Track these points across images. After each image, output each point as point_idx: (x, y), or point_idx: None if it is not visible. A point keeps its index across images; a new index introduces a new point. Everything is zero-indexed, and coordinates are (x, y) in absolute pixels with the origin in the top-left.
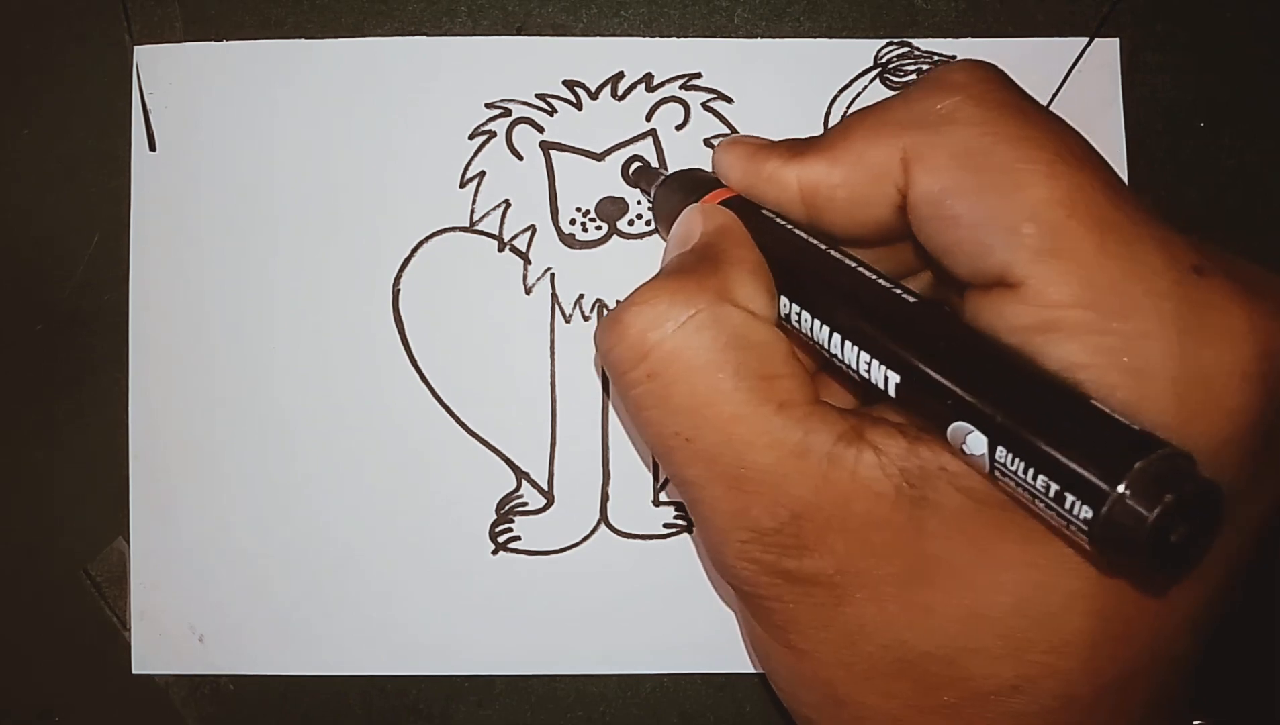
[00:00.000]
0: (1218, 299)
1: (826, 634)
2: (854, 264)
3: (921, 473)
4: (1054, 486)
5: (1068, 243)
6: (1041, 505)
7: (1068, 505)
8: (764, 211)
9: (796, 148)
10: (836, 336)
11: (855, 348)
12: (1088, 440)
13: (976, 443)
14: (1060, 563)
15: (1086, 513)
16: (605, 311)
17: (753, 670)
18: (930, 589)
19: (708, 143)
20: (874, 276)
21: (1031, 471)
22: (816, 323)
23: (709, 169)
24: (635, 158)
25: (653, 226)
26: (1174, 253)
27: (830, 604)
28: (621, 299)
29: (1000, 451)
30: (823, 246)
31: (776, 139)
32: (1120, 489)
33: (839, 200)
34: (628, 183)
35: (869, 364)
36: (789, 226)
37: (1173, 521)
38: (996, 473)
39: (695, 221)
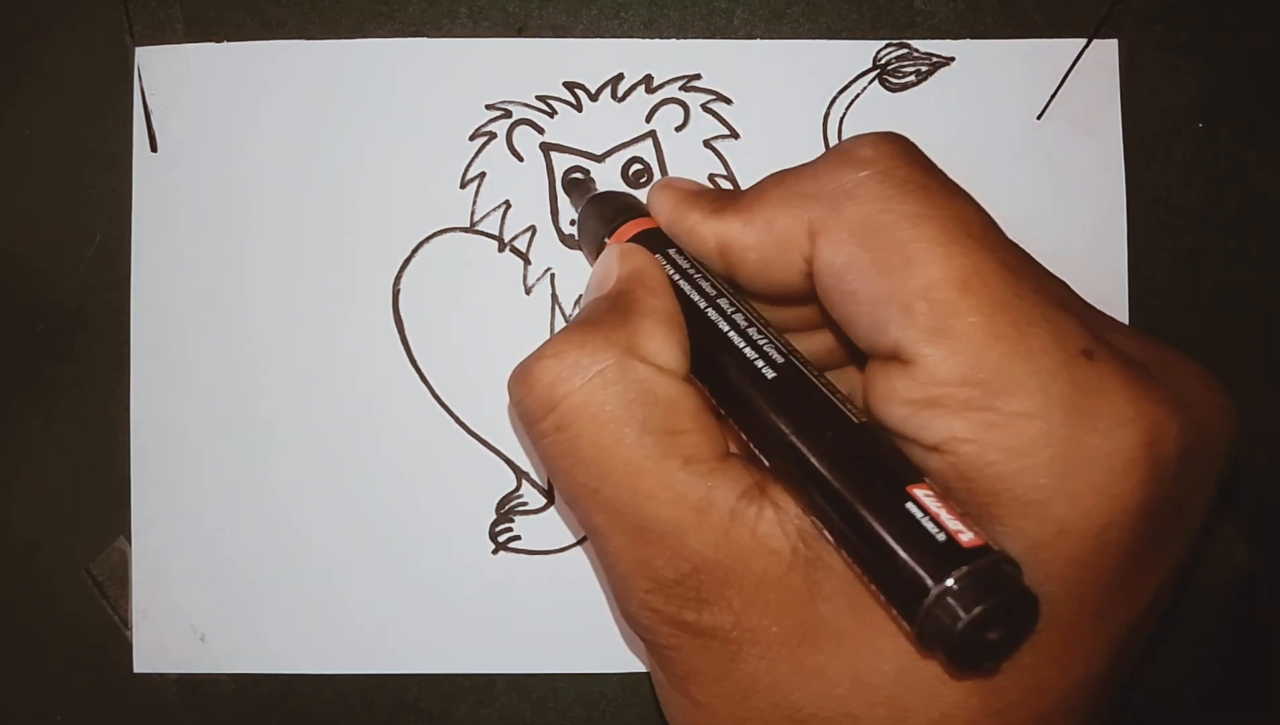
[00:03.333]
0: (1105, 384)
1: (721, 687)
2: (726, 328)
3: (816, 534)
4: (881, 597)
5: (958, 322)
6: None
7: (894, 614)
8: (672, 252)
9: (719, 203)
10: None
11: (731, 420)
12: (910, 552)
13: (827, 534)
14: None
15: (908, 618)
16: None
17: None
18: (820, 651)
19: (708, 144)
20: (741, 345)
21: (865, 574)
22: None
23: (679, 177)
24: (576, 168)
25: None
26: (1064, 335)
27: (726, 658)
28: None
29: (843, 553)
30: (702, 305)
31: (708, 187)
32: (931, 599)
33: (750, 261)
34: (565, 192)
35: (745, 438)
36: (690, 272)
37: (983, 627)
38: (846, 560)
39: (612, 264)
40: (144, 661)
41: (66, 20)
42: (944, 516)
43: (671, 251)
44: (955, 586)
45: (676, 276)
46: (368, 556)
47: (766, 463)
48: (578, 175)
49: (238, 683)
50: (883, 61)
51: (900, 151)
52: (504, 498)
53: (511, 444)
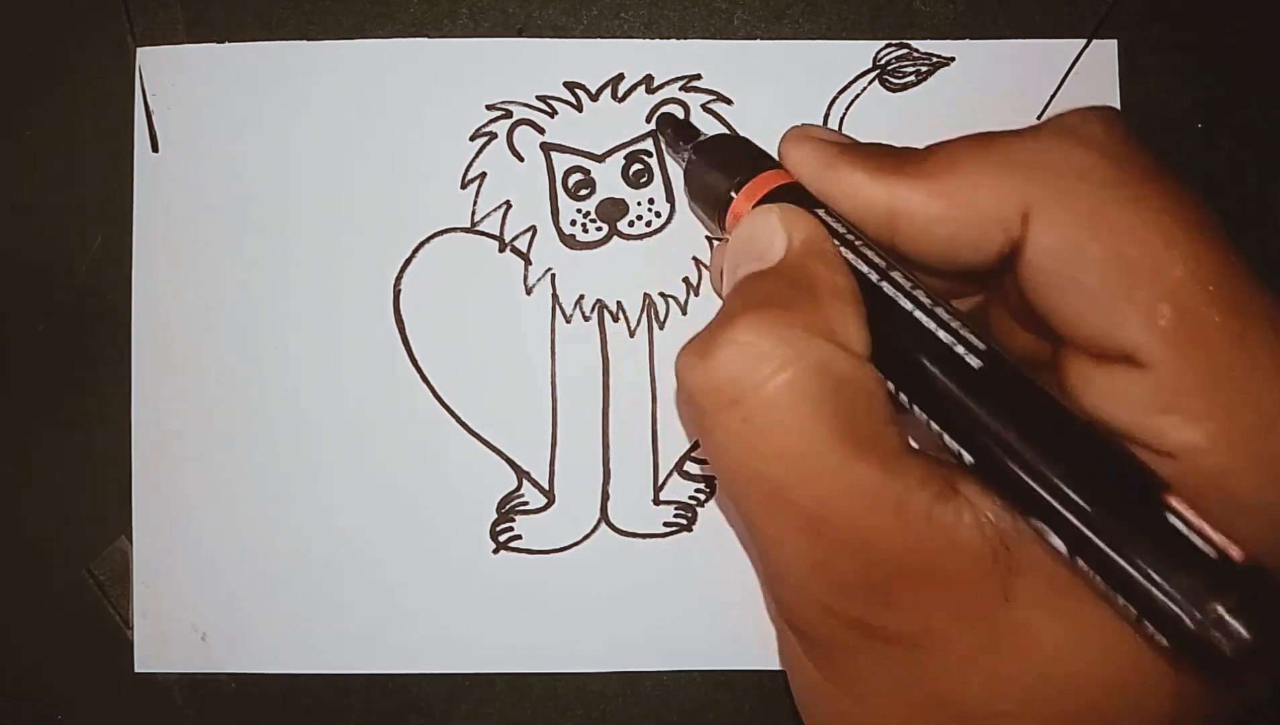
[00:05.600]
0: None
1: (894, 689)
2: (911, 307)
3: (1017, 534)
4: (1132, 610)
5: (1205, 328)
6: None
7: (1148, 630)
8: (822, 214)
9: (891, 163)
10: (903, 395)
11: (922, 413)
12: (1172, 568)
13: (1056, 541)
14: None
15: (1171, 635)
16: (606, 312)
17: (752, 668)
18: (1011, 657)
19: None
20: (935, 328)
21: (1112, 591)
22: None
23: (810, 124)
24: (664, 105)
25: (653, 227)
26: None
27: (908, 664)
28: (707, 323)
29: (1079, 562)
30: (874, 277)
31: (856, 141)
32: (1204, 619)
33: (936, 235)
34: (660, 135)
35: (939, 433)
36: (852, 240)
37: (1263, 647)
38: (1079, 570)
39: (776, 231)
40: (145, 661)
41: (68, 21)
42: (1208, 529)
43: (821, 212)
44: (1232, 608)
45: (837, 244)
46: (368, 556)
47: (971, 460)
48: (669, 111)
49: (239, 682)
50: (883, 62)
51: (1132, 135)
52: (505, 497)
53: (512, 444)
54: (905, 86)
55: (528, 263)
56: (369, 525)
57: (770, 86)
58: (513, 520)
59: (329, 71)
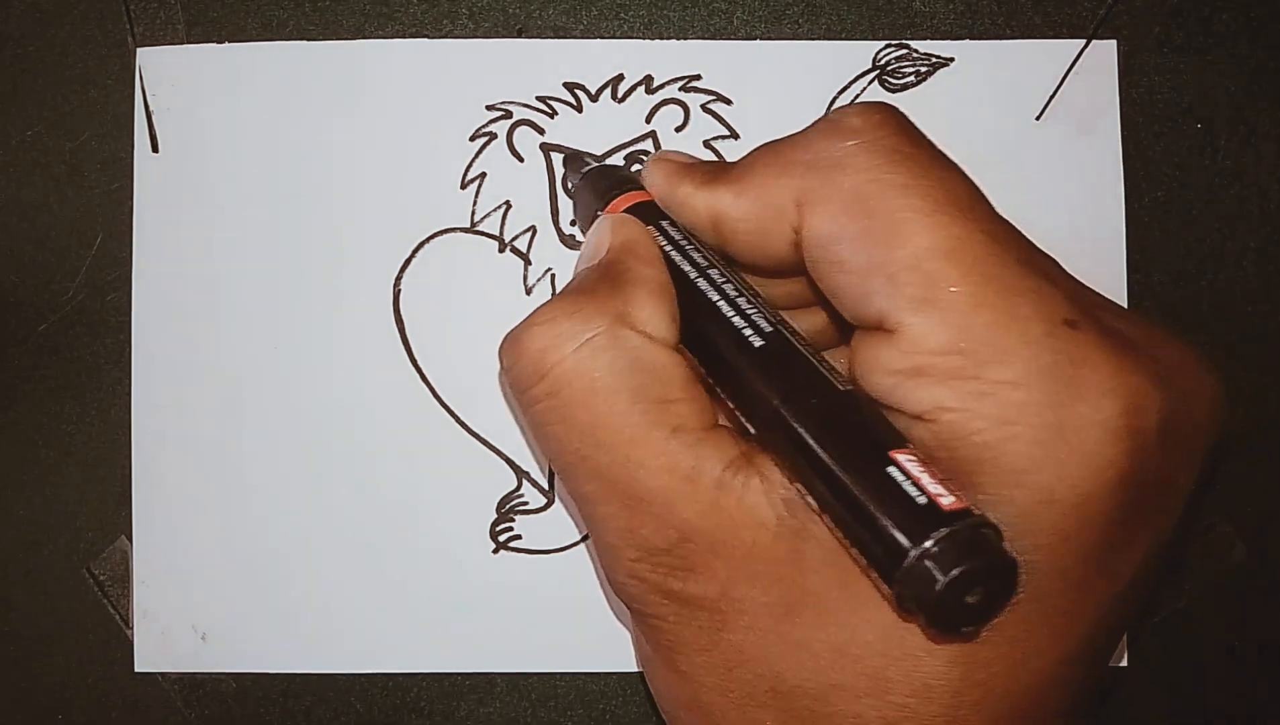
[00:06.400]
0: (1088, 353)
1: (707, 658)
2: (715, 298)
3: (802, 505)
4: (863, 560)
5: (944, 292)
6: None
7: (874, 578)
8: (665, 224)
9: (710, 175)
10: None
11: (719, 389)
12: (890, 515)
13: (810, 501)
14: None
15: (888, 580)
16: None
17: None
18: (805, 623)
19: (708, 144)
20: (730, 313)
21: (847, 539)
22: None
23: (675, 150)
24: (560, 147)
25: None
26: (1050, 305)
27: (711, 629)
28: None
29: (827, 519)
30: (693, 275)
31: (701, 160)
32: (910, 560)
33: (741, 232)
34: (563, 184)
35: (732, 407)
36: (682, 244)
37: (965, 587)
38: (829, 525)
39: (605, 234)
40: (145, 661)
41: (68, 21)
42: (925, 480)
43: (664, 223)
44: (934, 548)
45: (669, 248)
46: (369, 556)
47: (753, 431)
48: (573, 151)
49: (239, 682)
50: (882, 62)
51: (889, 121)
52: (505, 497)
53: (512, 444)
54: (905, 87)
55: (528, 263)
56: (369, 525)
57: (770, 86)
58: (513, 520)
59: (329, 72)
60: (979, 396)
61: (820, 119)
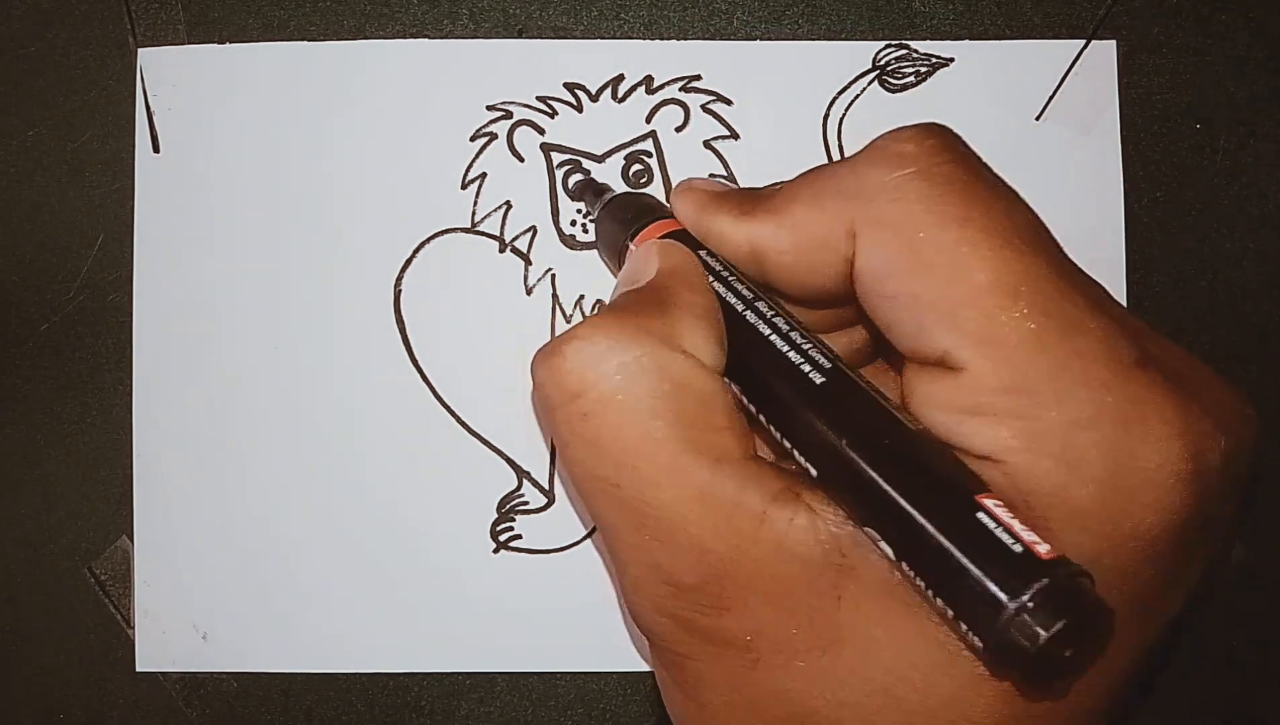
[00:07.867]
0: (1154, 395)
1: (736, 696)
2: (768, 332)
3: (854, 542)
4: (949, 611)
5: (1008, 330)
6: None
7: (963, 628)
8: (703, 254)
9: (748, 205)
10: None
11: (775, 431)
12: (985, 565)
13: (885, 547)
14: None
15: (981, 633)
16: None
17: None
18: (844, 661)
19: (708, 145)
20: (785, 349)
21: (931, 593)
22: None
23: (697, 176)
24: (575, 167)
25: None
26: (1114, 345)
27: (743, 667)
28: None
29: (904, 565)
30: (740, 308)
31: (732, 186)
32: (1009, 613)
33: (785, 265)
34: (568, 195)
35: (790, 449)
36: (724, 275)
37: (1062, 643)
38: (903, 574)
39: (650, 259)
40: (146, 660)
41: (69, 21)
42: (1017, 527)
43: (702, 253)
44: (1033, 602)
45: (710, 279)
46: (369, 556)
47: (813, 472)
48: (582, 175)
49: (240, 681)
50: (882, 62)
51: (944, 146)
52: (505, 497)
53: (512, 444)
54: (905, 87)
55: (528, 263)
56: (369, 525)
57: (770, 87)
58: (513, 520)
59: (329, 72)
60: (1045, 438)
61: (871, 144)
